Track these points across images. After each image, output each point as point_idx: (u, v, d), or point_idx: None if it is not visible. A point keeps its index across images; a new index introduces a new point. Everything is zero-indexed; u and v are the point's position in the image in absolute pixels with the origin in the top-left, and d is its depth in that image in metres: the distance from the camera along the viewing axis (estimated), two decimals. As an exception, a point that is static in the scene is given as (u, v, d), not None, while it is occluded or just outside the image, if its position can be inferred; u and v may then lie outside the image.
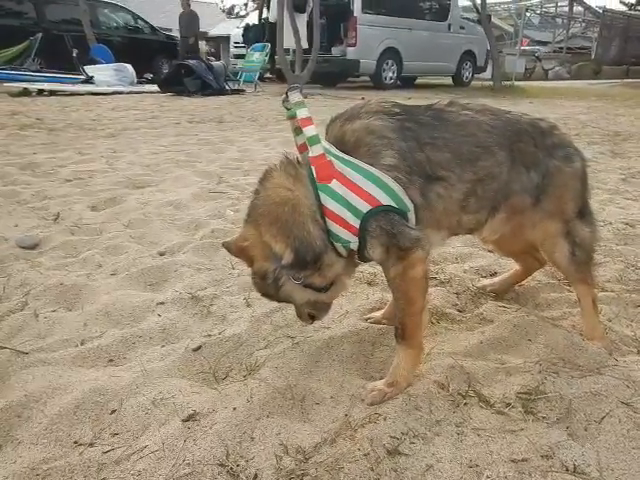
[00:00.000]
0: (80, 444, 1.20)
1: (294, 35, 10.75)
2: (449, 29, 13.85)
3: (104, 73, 11.58)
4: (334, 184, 1.28)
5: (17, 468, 1.12)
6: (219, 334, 1.65)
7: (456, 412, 1.28)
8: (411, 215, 1.33)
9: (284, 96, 1.39)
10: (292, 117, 1.38)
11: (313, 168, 1.30)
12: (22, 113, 7.03)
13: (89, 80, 11.18)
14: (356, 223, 1.28)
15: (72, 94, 10.01)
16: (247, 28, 14.95)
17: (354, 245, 1.31)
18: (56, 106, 8.02)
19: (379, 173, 1.28)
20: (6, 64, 11.46)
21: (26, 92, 9.66)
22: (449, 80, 14.94)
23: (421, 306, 1.36)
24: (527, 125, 1.50)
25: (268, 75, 14.18)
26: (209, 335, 1.65)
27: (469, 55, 14.48)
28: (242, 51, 14.63)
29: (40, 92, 9.94)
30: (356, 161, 1.29)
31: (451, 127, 1.39)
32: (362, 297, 1.89)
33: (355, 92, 11.50)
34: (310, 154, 1.31)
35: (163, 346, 1.61)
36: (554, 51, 23.17)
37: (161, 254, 2.31)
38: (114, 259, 2.26)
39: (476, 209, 1.43)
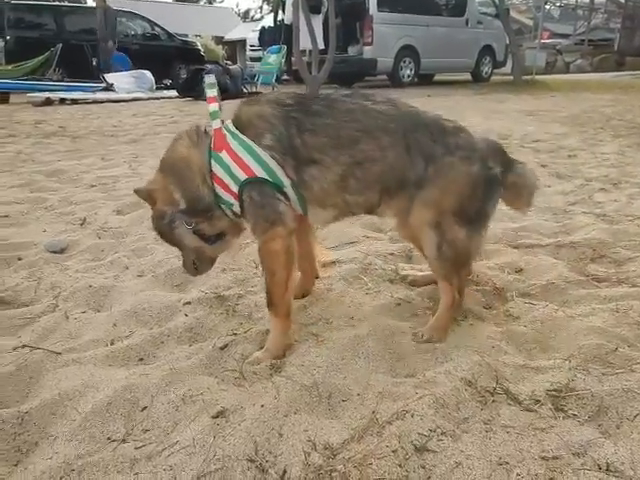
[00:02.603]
0: (113, 440, 1.23)
1: (310, 36, 10.75)
2: (467, 24, 13.68)
3: (124, 80, 11.78)
4: (223, 154, 1.50)
5: (53, 463, 1.15)
6: (245, 332, 1.67)
7: (484, 409, 1.27)
8: (289, 190, 1.50)
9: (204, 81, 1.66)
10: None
11: (213, 138, 1.53)
12: (45, 122, 7.20)
13: (109, 87, 11.39)
14: (235, 189, 1.49)
15: (93, 102, 10.21)
16: (263, 31, 14.98)
17: (236, 208, 1.52)
18: (78, 114, 8.19)
19: (259, 150, 1.48)
20: (28, 75, 11.75)
21: (49, 101, 9.88)
22: (468, 76, 14.77)
23: (282, 278, 1.52)
24: (429, 120, 1.56)
25: (285, 77, 14.22)
26: (235, 334, 1.67)
27: (488, 50, 14.24)
28: (258, 54, 14.70)
29: (62, 101, 10.16)
30: (243, 137, 1.50)
31: (337, 114, 1.52)
32: (386, 295, 1.89)
33: (372, 91, 11.44)
34: (212, 127, 1.55)
35: (191, 345, 1.64)
36: (575, 44, 22.69)
37: (185, 255, 2.34)
38: (140, 261, 2.31)
39: (359, 190, 1.53)
